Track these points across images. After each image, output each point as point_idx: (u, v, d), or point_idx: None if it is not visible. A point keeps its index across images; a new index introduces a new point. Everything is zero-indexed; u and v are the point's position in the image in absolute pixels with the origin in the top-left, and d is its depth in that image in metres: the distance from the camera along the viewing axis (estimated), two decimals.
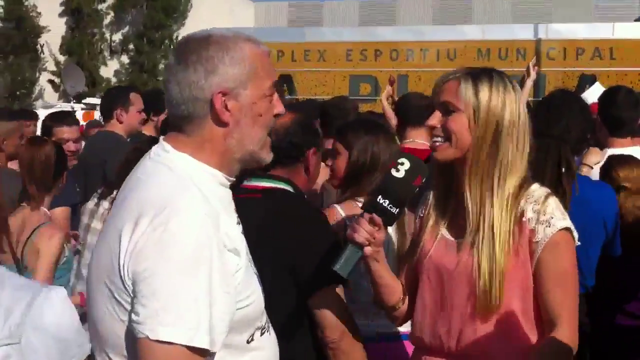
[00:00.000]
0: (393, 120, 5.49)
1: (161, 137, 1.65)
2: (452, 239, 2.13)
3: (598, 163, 3.55)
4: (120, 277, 1.45)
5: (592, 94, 7.78)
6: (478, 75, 2.08)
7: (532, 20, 13.31)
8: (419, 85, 12.18)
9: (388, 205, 1.95)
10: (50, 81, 16.14)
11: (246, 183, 2.41)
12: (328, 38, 13.66)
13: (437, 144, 2.09)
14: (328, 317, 2.22)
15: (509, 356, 2.05)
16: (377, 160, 2.81)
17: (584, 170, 3.45)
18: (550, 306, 2.03)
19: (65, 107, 8.81)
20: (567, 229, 2.04)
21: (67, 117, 4.72)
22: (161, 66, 15.75)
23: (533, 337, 2.05)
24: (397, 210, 1.96)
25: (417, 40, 12.85)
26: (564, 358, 2.03)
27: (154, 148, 1.63)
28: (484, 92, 2.05)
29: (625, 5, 14.63)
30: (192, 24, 15.05)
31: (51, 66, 16.20)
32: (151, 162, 1.60)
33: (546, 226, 2.02)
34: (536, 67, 6.22)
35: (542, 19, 13.38)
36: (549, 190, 2.10)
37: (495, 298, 2.00)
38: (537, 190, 2.08)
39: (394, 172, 1.97)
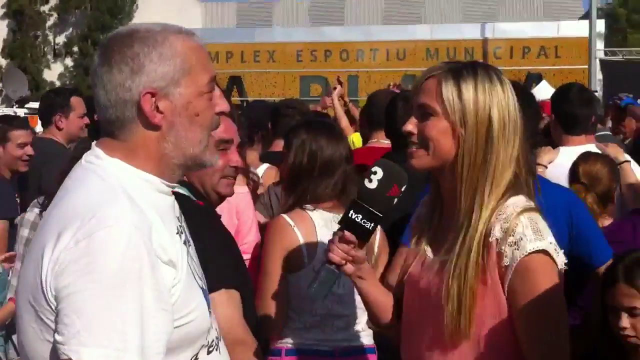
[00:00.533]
0: (343, 120, 5.46)
1: (93, 143, 1.54)
2: (432, 256, 1.90)
3: (551, 162, 3.56)
4: (44, 294, 1.35)
5: (540, 92, 7.90)
6: (460, 71, 1.83)
7: (480, 19, 13.46)
8: (369, 85, 12.21)
9: (361, 220, 1.78)
10: None
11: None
12: (278, 39, 13.62)
13: (413, 149, 1.85)
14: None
15: None
16: (316, 160, 2.68)
17: (539, 170, 3.44)
18: (523, 342, 1.78)
19: (8, 112, 8.53)
20: (542, 251, 1.76)
21: (19, 120, 4.55)
22: None
23: None
24: (372, 225, 1.78)
25: (366, 41, 12.90)
26: None
27: (86, 155, 1.51)
28: (469, 91, 1.81)
29: (570, 3, 14.92)
30: None
31: None
32: (81, 170, 1.49)
33: (515, 248, 1.75)
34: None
35: (489, 17, 13.51)
36: (528, 205, 1.82)
37: (465, 326, 1.77)
38: (512, 205, 1.80)
39: (366, 182, 1.79)
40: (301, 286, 2.46)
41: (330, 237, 1.89)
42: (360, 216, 1.78)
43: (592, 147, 3.67)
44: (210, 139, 1.53)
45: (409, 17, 15.50)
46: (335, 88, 5.97)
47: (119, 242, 1.33)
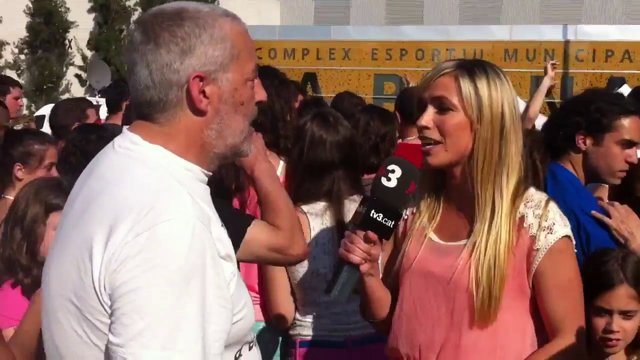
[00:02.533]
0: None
1: (125, 128, 1.46)
2: (443, 242, 2.00)
3: None
4: (96, 293, 1.25)
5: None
6: (473, 68, 1.93)
7: (560, 21, 13.11)
8: None
9: (382, 219, 1.80)
10: (77, 76, 16.27)
11: None
12: (353, 36, 13.61)
13: (429, 146, 1.93)
14: None
15: None
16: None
17: None
18: (554, 317, 1.93)
19: (91, 100, 8.85)
20: (568, 237, 1.96)
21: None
22: None
23: (525, 355, 1.93)
24: (393, 222, 1.82)
25: (443, 40, 12.73)
26: None
27: (118, 140, 1.42)
28: (483, 88, 1.91)
29: None
30: None
31: (78, 61, 16.35)
32: (117, 157, 1.39)
33: (548, 233, 1.91)
34: (555, 67, 6.13)
35: (570, 19, 13.15)
36: (547, 195, 2.00)
37: (494, 308, 1.87)
38: (535, 193, 1.98)
39: (384, 181, 1.81)
40: (304, 280, 2.50)
41: (343, 235, 1.89)
42: (381, 215, 1.80)
43: None
44: (249, 129, 1.47)
45: (486, 18, 15.24)
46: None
47: (183, 236, 1.23)
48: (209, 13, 1.39)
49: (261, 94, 1.48)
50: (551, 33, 12.70)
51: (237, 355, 1.41)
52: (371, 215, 1.80)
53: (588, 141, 2.65)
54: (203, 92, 1.38)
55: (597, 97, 2.74)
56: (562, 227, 1.94)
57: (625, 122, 2.59)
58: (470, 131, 1.92)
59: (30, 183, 2.59)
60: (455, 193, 2.01)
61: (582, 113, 2.68)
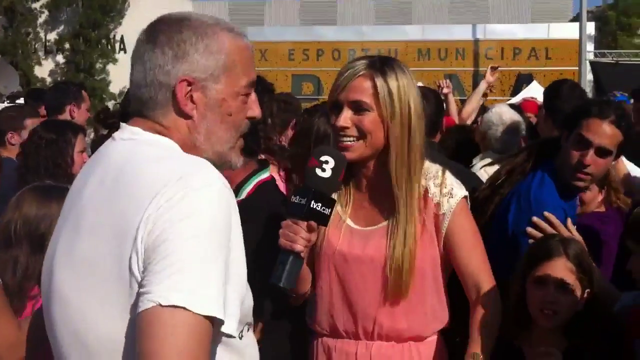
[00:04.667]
0: (455, 115, 5.65)
1: (122, 124, 1.49)
2: (360, 228, 2.17)
3: None
4: (137, 267, 1.27)
5: (530, 93, 7.98)
6: (384, 68, 2.07)
7: (470, 20, 13.56)
8: None
9: (321, 208, 1.88)
10: None
11: (265, 174, 2.41)
12: (270, 37, 13.65)
13: (349, 143, 2.07)
14: None
15: (425, 331, 2.16)
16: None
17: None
18: (470, 270, 2.14)
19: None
20: (465, 197, 2.16)
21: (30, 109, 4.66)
22: (98, 65, 15.41)
23: (444, 311, 2.17)
24: (330, 210, 1.89)
25: (358, 40, 12.96)
26: (498, 319, 2.16)
27: (117, 134, 1.47)
28: (394, 87, 2.06)
29: (560, 6, 15.06)
30: (130, 23, 14.78)
31: None
32: (124, 145, 1.43)
33: (449, 197, 2.12)
34: (494, 71, 6.33)
35: (479, 19, 13.63)
36: (439, 165, 2.20)
37: (406, 280, 2.08)
38: (431, 166, 2.17)
39: (319, 172, 1.89)
40: None
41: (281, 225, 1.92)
42: (320, 204, 1.88)
43: None
44: (238, 141, 1.51)
45: (399, 17, 15.57)
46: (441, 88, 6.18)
47: (212, 198, 1.29)
48: (211, 25, 1.46)
49: (255, 111, 1.53)
50: (461, 32, 13.17)
51: (241, 336, 1.45)
52: (312, 206, 1.87)
53: (565, 137, 2.63)
54: (191, 97, 1.43)
55: (571, 92, 2.77)
56: (460, 189, 2.16)
57: (586, 122, 2.55)
58: (383, 127, 2.07)
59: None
60: (368, 183, 2.17)
61: (563, 108, 2.75)
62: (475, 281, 2.15)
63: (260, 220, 2.31)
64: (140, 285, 1.26)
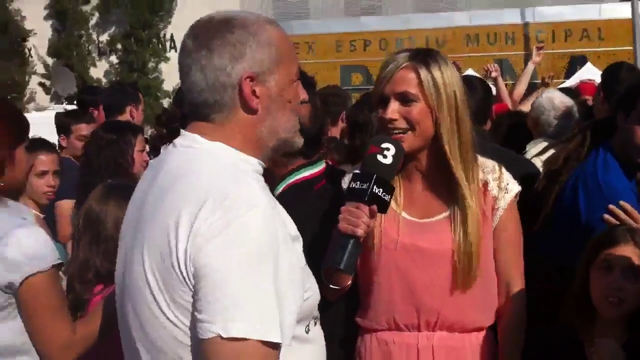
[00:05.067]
0: (507, 99, 5.67)
1: (182, 131, 1.55)
2: (417, 220, 2.17)
3: None
4: (180, 275, 1.35)
5: (585, 75, 7.82)
6: (426, 59, 2.10)
7: (517, 4, 13.31)
8: None
9: (382, 193, 1.91)
10: (41, 84, 16.02)
11: (308, 171, 2.42)
12: (315, 30, 13.68)
13: (401, 135, 2.08)
14: None
15: (485, 321, 2.20)
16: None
17: None
18: (506, 267, 2.20)
19: (58, 108, 8.77)
20: (518, 193, 2.22)
21: (84, 115, 4.85)
22: (150, 64, 15.67)
23: (495, 299, 2.24)
24: (389, 197, 1.92)
25: (404, 29, 12.86)
26: (524, 321, 2.22)
27: (178, 141, 1.53)
28: (439, 77, 2.08)
29: None
30: (179, 21, 14.98)
31: (40, 69, 16.11)
32: (182, 154, 1.49)
33: (505, 192, 2.18)
34: (541, 52, 6.29)
35: (527, 3, 13.38)
36: (494, 161, 2.25)
37: (474, 272, 2.11)
38: (486, 161, 2.21)
39: (380, 158, 1.93)
40: None
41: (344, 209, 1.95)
42: (381, 190, 1.90)
43: None
44: (297, 124, 1.59)
45: (442, 5, 15.38)
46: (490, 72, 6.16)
47: (258, 221, 1.34)
48: (255, 21, 1.51)
49: (304, 94, 1.61)
50: (509, 16, 12.95)
51: (307, 330, 1.51)
52: (374, 191, 1.89)
53: (623, 118, 2.66)
54: (254, 92, 1.48)
55: (629, 76, 2.76)
56: (514, 185, 2.21)
57: None
58: (432, 118, 2.09)
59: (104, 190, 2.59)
60: (420, 175, 2.18)
61: (621, 92, 2.76)
62: (507, 279, 2.21)
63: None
64: (196, 306, 1.33)
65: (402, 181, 2.20)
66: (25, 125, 2.32)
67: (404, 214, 2.19)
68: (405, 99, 2.09)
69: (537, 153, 3.83)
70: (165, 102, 13.59)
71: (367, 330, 2.25)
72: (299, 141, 1.60)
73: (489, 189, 2.17)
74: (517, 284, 2.22)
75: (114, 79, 15.22)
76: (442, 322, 2.16)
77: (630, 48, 11.25)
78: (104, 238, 2.45)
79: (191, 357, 1.38)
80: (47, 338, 2.09)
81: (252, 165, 1.52)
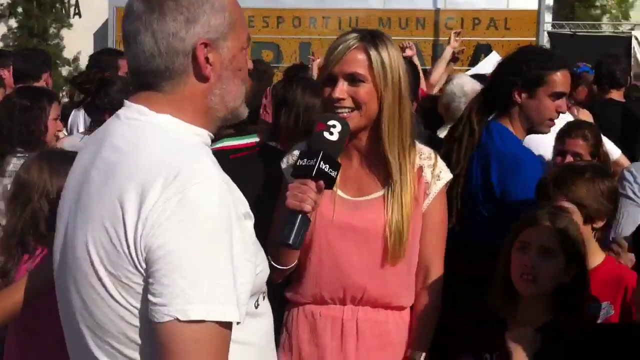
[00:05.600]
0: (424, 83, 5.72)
1: (126, 101, 1.47)
2: (351, 198, 2.22)
3: None
4: (130, 258, 1.30)
5: (489, 63, 8.08)
6: (375, 41, 2.14)
7: None
8: (321, 52, 12.27)
9: (329, 170, 1.92)
10: None
11: (231, 142, 2.39)
12: None
13: (347, 113, 2.12)
14: None
15: (407, 300, 2.28)
16: (299, 120, 2.80)
17: None
18: (428, 251, 2.27)
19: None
20: (447, 182, 2.29)
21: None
22: (52, 30, 14.98)
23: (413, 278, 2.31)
24: (336, 173, 1.94)
25: (319, 8, 12.86)
26: (439, 307, 2.30)
27: (122, 112, 1.45)
28: (387, 59, 2.13)
29: None
30: None
31: None
32: (128, 127, 1.41)
33: (437, 179, 2.24)
34: (458, 38, 6.45)
35: None
36: (430, 148, 2.31)
37: (403, 251, 2.17)
38: (423, 147, 2.27)
39: (327, 135, 1.94)
40: None
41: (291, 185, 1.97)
42: (328, 166, 1.93)
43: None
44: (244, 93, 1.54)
45: None
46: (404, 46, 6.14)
47: (211, 198, 1.29)
48: None
49: (250, 63, 1.57)
50: (422, 2, 13.20)
51: (256, 305, 1.49)
52: (321, 167, 1.90)
53: (523, 95, 2.87)
54: (207, 59, 1.43)
55: (530, 55, 2.92)
56: (446, 173, 2.28)
57: (557, 76, 2.84)
58: (377, 99, 2.14)
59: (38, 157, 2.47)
60: (358, 154, 2.23)
61: (517, 71, 2.90)
62: (427, 262, 2.28)
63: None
64: (150, 290, 1.28)
65: (340, 160, 2.18)
66: None
67: (339, 192, 2.22)
68: (353, 79, 2.12)
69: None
70: (65, 71, 13.01)
71: (294, 303, 2.29)
72: (245, 112, 1.55)
73: (423, 174, 2.22)
74: (437, 268, 2.29)
75: (11, 44, 14.46)
76: (367, 298, 2.21)
77: (533, 39, 11.71)
78: (33, 208, 2.34)
79: (139, 338, 1.33)
80: None
81: (202, 137, 1.47)
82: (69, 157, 2.46)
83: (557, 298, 2.16)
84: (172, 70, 1.41)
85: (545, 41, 11.45)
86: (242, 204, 1.43)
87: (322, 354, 2.22)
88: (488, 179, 2.76)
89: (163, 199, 1.28)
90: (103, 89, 3.75)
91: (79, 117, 4.89)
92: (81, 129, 4.72)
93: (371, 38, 2.15)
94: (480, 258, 2.40)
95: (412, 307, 2.32)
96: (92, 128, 3.89)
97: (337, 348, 2.21)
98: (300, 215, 1.90)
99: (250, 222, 1.44)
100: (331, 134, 1.94)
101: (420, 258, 2.27)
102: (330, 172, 1.92)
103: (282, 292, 2.30)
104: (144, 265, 1.29)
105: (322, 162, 1.90)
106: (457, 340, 2.37)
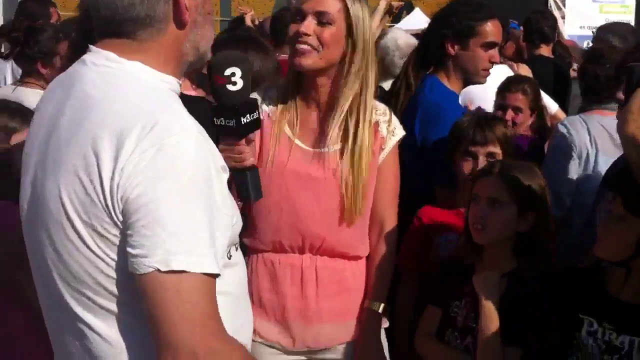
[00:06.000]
0: None
1: (92, 47, 1.42)
2: (310, 149, 2.22)
3: None
4: (107, 207, 1.26)
5: (414, 21, 8.06)
6: None
7: None
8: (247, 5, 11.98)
9: (250, 117, 1.85)
10: None
11: None
12: None
13: (305, 48, 2.12)
14: None
15: (364, 251, 2.31)
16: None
17: None
18: (383, 204, 2.30)
19: None
20: (401, 138, 2.32)
21: None
22: None
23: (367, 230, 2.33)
24: (258, 112, 1.87)
25: None
26: (393, 259, 2.35)
27: (88, 58, 1.40)
28: (359, 10, 2.15)
29: None
30: None
31: None
32: (98, 74, 1.37)
33: (392, 135, 2.28)
34: None
35: None
36: (384, 104, 2.35)
37: (360, 204, 2.20)
38: (378, 104, 2.30)
39: (231, 87, 1.81)
40: None
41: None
42: (247, 115, 1.85)
43: (505, 67, 3.94)
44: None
45: None
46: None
47: (189, 149, 1.27)
48: None
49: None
50: None
51: (229, 256, 1.48)
52: (242, 122, 1.83)
53: (456, 47, 2.89)
54: (185, 4, 1.41)
55: (460, 8, 2.90)
56: (400, 129, 2.32)
57: (487, 26, 2.86)
58: (341, 45, 2.14)
59: None
60: (318, 104, 2.22)
61: (448, 24, 2.90)
62: (381, 218, 2.30)
63: None
64: (129, 242, 1.25)
65: (299, 109, 2.24)
66: None
67: (297, 142, 2.22)
68: (322, 20, 2.12)
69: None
70: None
71: (253, 250, 2.29)
72: (209, 56, 1.56)
73: (379, 129, 2.25)
74: (391, 221, 2.32)
75: None
76: (325, 248, 2.23)
77: None
78: None
79: (116, 289, 1.32)
80: None
81: (171, 85, 1.43)
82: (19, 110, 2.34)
83: (517, 245, 2.24)
84: (152, 18, 1.37)
85: None
86: (218, 157, 1.41)
87: (282, 300, 2.24)
88: (412, 129, 2.77)
89: (140, 149, 1.25)
90: (32, 37, 3.54)
91: (7, 69, 4.56)
92: (9, 81, 4.43)
93: None
94: (402, 204, 2.41)
95: (367, 258, 2.35)
96: (24, 79, 3.70)
97: (298, 294, 2.23)
98: (248, 172, 1.88)
99: (226, 176, 1.42)
100: (234, 84, 1.82)
101: (374, 211, 2.29)
102: (253, 117, 1.85)
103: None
104: (120, 218, 1.27)
105: (241, 118, 1.82)
106: (426, 291, 2.44)
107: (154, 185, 1.23)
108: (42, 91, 3.47)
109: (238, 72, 1.80)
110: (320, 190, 2.20)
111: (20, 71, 3.91)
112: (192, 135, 1.29)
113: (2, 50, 4.15)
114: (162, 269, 1.22)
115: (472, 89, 3.25)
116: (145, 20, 1.37)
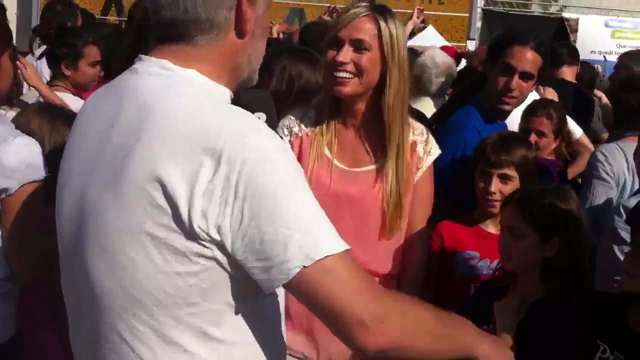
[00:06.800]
0: None
1: (142, 55, 1.36)
2: (347, 168, 2.26)
3: None
4: (181, 224, 1.19)
5: (428, 38, 8.11)
6: (384, 13, 2.22)
7: None
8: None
9: None
10: None
11: None
12: None
13: (345, 78, 2.18)
14: None
15: (393, 269, 2.35)
16: (293, 84, 2.70)
17: None
18: (417, 222, 2.36)
19: None
20: (436, 157, 2.38)
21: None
22: None
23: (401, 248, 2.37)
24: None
25: None
26: (424, 275, 2.42)
27: (140, 67, 1.32)
28: (394, 31, 2.19)
29: None
30: None
31: None
32: (155, 81, 1.28)
33: (428, 155, 2.34)
34: (421, 15, 6.49)
35: None
36: (421, 124, 2.39)
37: (400, 221, 2.26)
38: (415, 123, 2.35)
39: None
40: None
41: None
42: None
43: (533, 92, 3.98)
44: None
45: None
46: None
47: (275, 150, 1.24)
48: None
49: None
50: None
51: None
52: None
53: (489, 68, 2.92)
54: (247, 15, 1.34)
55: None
56: (436, 149, 2.37)
57: (510, 50, 2.83)
58: (379, 69, 2.20)
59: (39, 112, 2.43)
60: (356, 124, 2.27)
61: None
62: (413, 236, 2.35)
63: None
64: (247, 259, 1.22)
65: (337, 130, 2.28)
66: (10, 31, 2.24)
67: (335, 162, 2.26)
68: (359, 46, 2.17)
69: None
70: None
71: None
72: (256, 77, 1.46)
73: (416, 149, 2.31)
74: (424, 240, 2.38)
75: None
76: (375, 266, 2.25)
77: (467, 15, 11.86)
78: None
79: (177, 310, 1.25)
80: (29, 248, 2.11)
81: (225, 97, 1.36)
82: (66, 115, 2.41)
83: (543, 270, 2.20)
84: (213, 23, 1.30)
85: (478, 17, 11.62)
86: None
87: (311, 318, 2.20)
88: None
89: (239, 161, 1.19)
90: (62, 37, 3.59)
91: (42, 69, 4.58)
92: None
93: (381, 10, 2.22)
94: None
95: (397, 276, 2.38)
96: (53, 82, 3.69)
97: None
98: None
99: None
100: None
101: (408, 230, 2.33)
102: None
103: None
104: (217, 237, 1.21)
105: None
106: (458, 312, 2.38)
107: (263, 197, 1.19)
108: (71, 95, 3.51)
109: (263, 117, 1.79)
110: (357, 209, 2.24)
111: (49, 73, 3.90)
112: (268, 134, 1.25)
113: (35, 50, 4.17)
114: (307, 265, 1.20)
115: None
116: (205, 24, 1.30)
